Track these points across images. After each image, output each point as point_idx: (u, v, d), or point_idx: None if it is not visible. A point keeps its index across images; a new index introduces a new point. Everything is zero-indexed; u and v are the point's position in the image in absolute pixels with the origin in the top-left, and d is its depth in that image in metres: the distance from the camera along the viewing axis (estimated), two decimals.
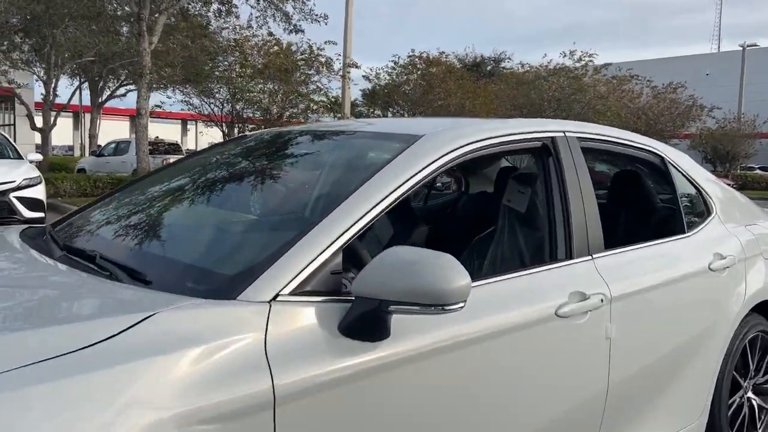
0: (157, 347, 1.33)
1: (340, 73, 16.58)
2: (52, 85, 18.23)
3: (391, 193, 1.81)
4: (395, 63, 21.36)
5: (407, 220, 3.14)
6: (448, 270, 1.55)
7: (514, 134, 2.28)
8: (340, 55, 16.67)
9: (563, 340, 2.09)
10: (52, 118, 18.87)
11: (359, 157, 2.26)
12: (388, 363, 1.63)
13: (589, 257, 2.29)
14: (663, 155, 2.94)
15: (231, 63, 15.96)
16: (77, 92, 27.50)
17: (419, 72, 21.05)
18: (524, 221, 2.69)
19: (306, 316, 1.57)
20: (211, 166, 2.49)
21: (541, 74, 24.01)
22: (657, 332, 2.48)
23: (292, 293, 1.57)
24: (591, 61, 23.12)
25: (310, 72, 16.43)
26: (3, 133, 10.93)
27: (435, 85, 20.23)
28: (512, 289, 2.02)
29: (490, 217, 2.86)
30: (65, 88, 23.85)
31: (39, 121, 19.05)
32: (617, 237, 2.78)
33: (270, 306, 1.52)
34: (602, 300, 2.20)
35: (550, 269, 2.18)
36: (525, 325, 1.97)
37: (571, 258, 2.25)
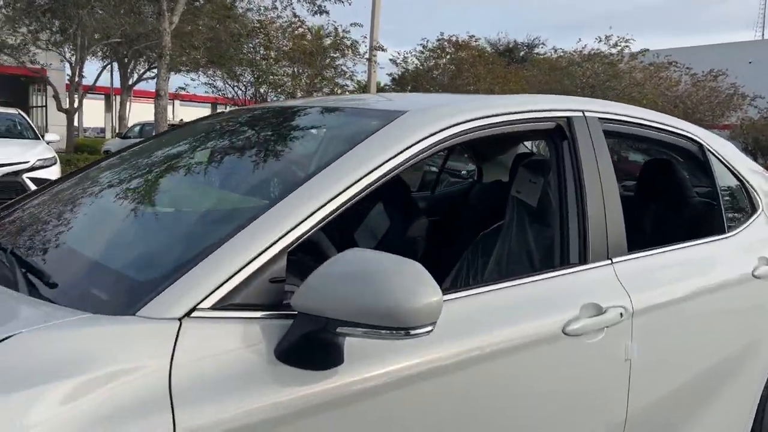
0: (8, 382, 1.01)
1: (366, 56, 16.15)
2: (78, 67, 18.19)
3: (356, 183, 1.45)
4: (424, 47, 20.87)
5: (406, 211, 2.78)
6: (414, 282, 1.20)
7: (521, 112, 1.89)
8: (365, 37, 16.24)
9: (571, 363, 1.72)
10: (78, 100, 18.86)
11: (326, 137, 1.90)
12: (340, 397, 1.29)
13: (608, 261, 1.91)
14: (702, 142, 2.52)
15: (255, 45, 15.66)
16: (109, 74, 27.59)
17: (448, 56, 20.50)
18: (535, 216, 2.32)
19: (231, 336, 1.23)
20: (160, 151, 2.12)
21: (575, 60, 23.24)
22: (688, 352, 2.09)
23: (215, 307, 1.23)
24: (627, 46, 22.28)
25: (335, 55, 16.05)
26: (21, 113, 10.81)
27: (464, 70, 19.68)
28: (510, 301, 1.66)
29: (503, 210, 2.49)
30: (96, 70, 23.89)
31: (68, 103, 19.07)
32: (644, 237, 2.39)
33: (180, 324, 1.18)
34: (622, 314, 1.83)
35: (558, 276, 1.81)
36: (524, 345, 1.61)
37: (585, 262, 1.87)
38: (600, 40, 22.52)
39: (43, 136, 10.48)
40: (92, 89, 21.62)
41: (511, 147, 3.49)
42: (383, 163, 1.51)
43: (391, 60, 20.96)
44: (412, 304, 1.17)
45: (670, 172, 2.82)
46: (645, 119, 2.31)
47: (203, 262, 1.25)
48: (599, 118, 2.09)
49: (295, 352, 1.25)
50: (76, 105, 18.84)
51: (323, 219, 1.39)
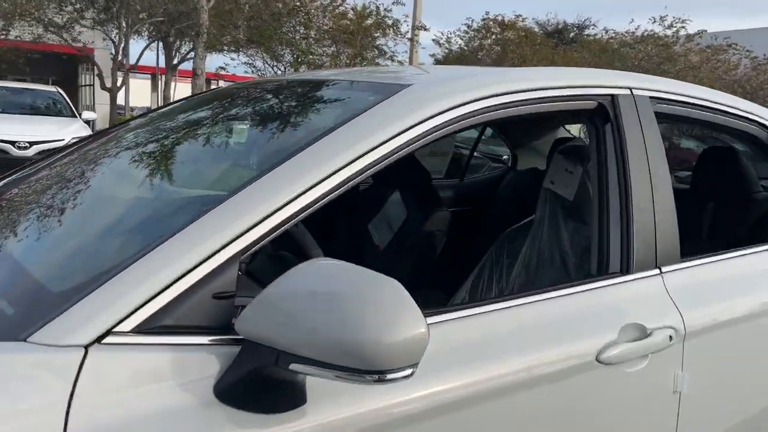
0: None
1: (408, 35, 15.73)
2: (122, 46, 18.28)
3: (334, 174, 1.15)
4: (468, 27, 20.29)
5: (425, 201, 2.48)
6: (391, 310, 0.90)
7: (554, 88, 1.56)
8: (408, 16, 15.80)
9: (607, 397, 1.40)
10: (120, 79, 19.00)
11: (307, 117, 1.60)
12: None
13: (656, 271, 1.58)
14: None
15: (295, 24, 15.40)
16: (155, 54, 27.78)
17: (493, 37, 19.90)
18: (570, 212, 1.99)
19: (158, 368, 0.96)
20: (126, 135, 1.84)
21: (627, 41, 22.30)
22: (753, 382, 1.74)
23: (139, 330, 0.96)
24: (683, 28, 21.25)
25: (376, 35, 15.67)
26: (60, 90, 10.84)
27: (509, 51, 19.06)
28: (532, 320, 1.34)
29: (537, 202, 2.18)
30: (144, 50, 23.99)
31: (111, 82, 19.19)
32: (700, 240, 2.04)
33: (86, 353, 0.91)
34: (671, 336, 1.49)
35: (594, 289, 1.48)
36: (546, 377, 1.30)
37: (628, 272, 1.54)
38: (654, 21, 21.57)
39: (80, 114, 10.48)
40: (134, 68, 21.75)
41: (549, 131, 3.14)
42: (373, 149, 1.21)
43: (434, 40, 20.46)
44: (386, 340, 0.88)
45: (733, 162, 2.43)
46: (706, 100, 1.93)
47: (124, 273, 0.97)
48: (650, 97, 1.74)
49: (239, 390, 0.97)
50: (119, 84, 18.97)
51: (289, 219, 1.10)
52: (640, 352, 1.44)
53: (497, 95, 1.41)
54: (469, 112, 1.35)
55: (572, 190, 1.98)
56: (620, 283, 1.51)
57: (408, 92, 1.35)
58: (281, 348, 0.92)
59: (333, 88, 1.71)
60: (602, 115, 1.64)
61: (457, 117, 1.33)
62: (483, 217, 2.89)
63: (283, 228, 1.10)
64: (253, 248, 1.07)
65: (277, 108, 1.69)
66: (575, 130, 4.85)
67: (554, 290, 1.42)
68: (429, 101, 1.31)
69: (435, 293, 2.26)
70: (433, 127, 1.29)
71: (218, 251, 1.02)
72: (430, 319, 1.19)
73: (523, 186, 3.04)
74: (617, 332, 1.42)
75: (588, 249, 1.86)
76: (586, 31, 33.69)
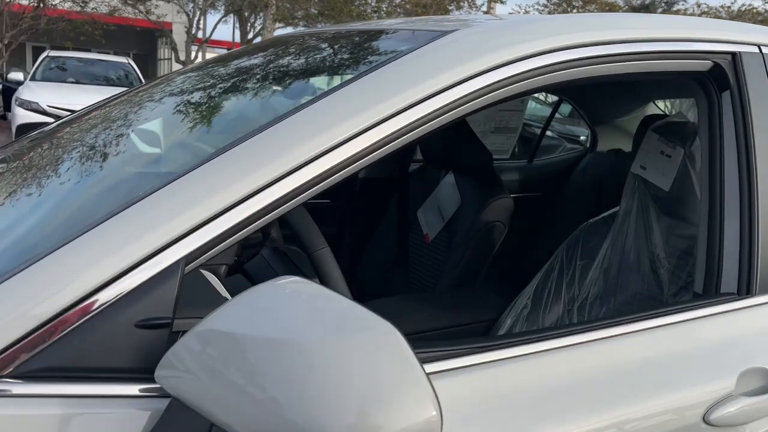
0: None
1: (483, 8, 15.14)
2: (196, 19, 18.47)
3: (332, 150, 0.81)
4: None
5: (483, 185, 2.09)
6: (382, 377, 0.55)
7: (653, 41, 1.14)
8: None
9: None
10: (194, 53, 19.26)
11: (315, 76, 1.24)
12: None
13: None
14: None
15: None
16: (231, 28, 28.11)
17: (575, 11, 18.93)
18: (666, 207, 1.58)
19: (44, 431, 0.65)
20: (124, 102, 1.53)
21: (722, 17, 20.83)
22: None
23: (16, 375, 0.65)
24: None
25: (450, 8, 15.17)
26: (131, 61, 10.92)
27: None
28: (611, 364, 0.96)
29: (619, 191, 1.77)
30: (221, 24, 24.33)
31: (185, 55, 19.48)
32: None
33: None
34: None
35: (700, 318, 1.08)
36: None
37: (749, 293, 1.13)
38: None
39: None
40: (206, 42, 22.02)
41: (638, 104, 2.67)
42: (387, 119, 0.85)
43: (510, 14, 19.73)
44: (369, 427, 0.53)
45: None
46: None
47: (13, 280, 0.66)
48: None
49: None
50: (192, 57, 19.25)
51: (268, 209, 0.76)
52: (765, 409, 1.03)
53: (576, 47, 1.01)
54: (536, 69, 0.96)
55: (669, 179, 1.56)
56: (738, 309, 1.11)
57: (450, 40, 0.98)
58: (213, 420, 0.59)
59: (374, 39, 1.32)
60: (719, 79, 1.21)
61: (519, 75, 0.94)
62: (554, 207, 2.48)
63: (259, 221, 0.77)
64: (210, 253, 0.74)
65: (274, 68, 1.34)
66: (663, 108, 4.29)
67: (643, 319, 1.03)
68: (477, 53, 0.93)
69: (490, 297, 1.90)
70: (486, 87, 0.91)
71: (147, 258, 0.70)
72: (466, 360, 0.85)
73: (604, 170, 2.62)
74: (734, 381, 1.02)
75: (687, 254, 1.46)
76: (676, 6, 31.82)
